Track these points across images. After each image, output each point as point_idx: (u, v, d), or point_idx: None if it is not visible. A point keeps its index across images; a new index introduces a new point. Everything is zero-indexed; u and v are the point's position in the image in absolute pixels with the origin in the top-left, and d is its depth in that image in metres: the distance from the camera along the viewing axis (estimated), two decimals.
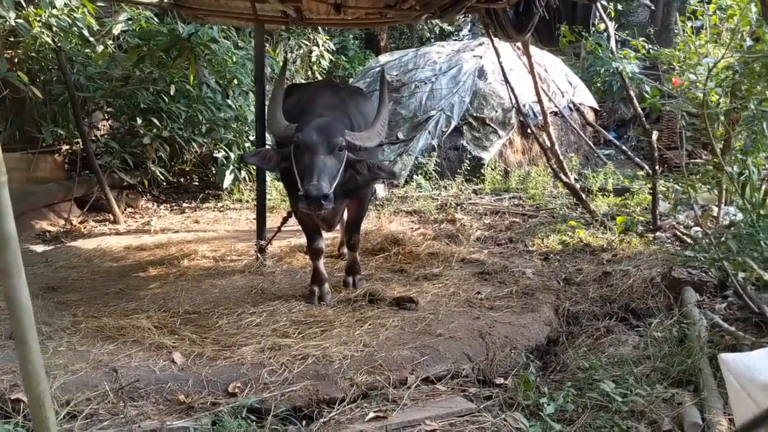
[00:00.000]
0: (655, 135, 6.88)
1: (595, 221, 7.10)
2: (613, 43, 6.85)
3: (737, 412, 2.62)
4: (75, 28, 7.63)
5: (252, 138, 9.27)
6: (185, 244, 6.55)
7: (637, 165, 8.87)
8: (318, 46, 13.69)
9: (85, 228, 7.98)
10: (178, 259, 5.89)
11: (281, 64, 11.23)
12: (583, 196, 7.78)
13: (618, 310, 4.53)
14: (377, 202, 8.96)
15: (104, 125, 10.16)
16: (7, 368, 3.42)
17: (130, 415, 3.11)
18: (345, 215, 5.17)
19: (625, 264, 5.38)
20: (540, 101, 7.96)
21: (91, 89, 8.71)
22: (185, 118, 9.26)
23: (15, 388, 3.22)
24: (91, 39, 8.42)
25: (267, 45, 12.10)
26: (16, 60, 8.01)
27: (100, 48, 8.85)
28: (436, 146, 11.08)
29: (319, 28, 12.59)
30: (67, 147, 9.03)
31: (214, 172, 9.92)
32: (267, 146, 5.71)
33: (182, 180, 10.70)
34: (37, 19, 7.06)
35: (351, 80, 14.55)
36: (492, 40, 7.27)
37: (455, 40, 18.63)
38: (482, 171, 10.61)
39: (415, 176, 10.49)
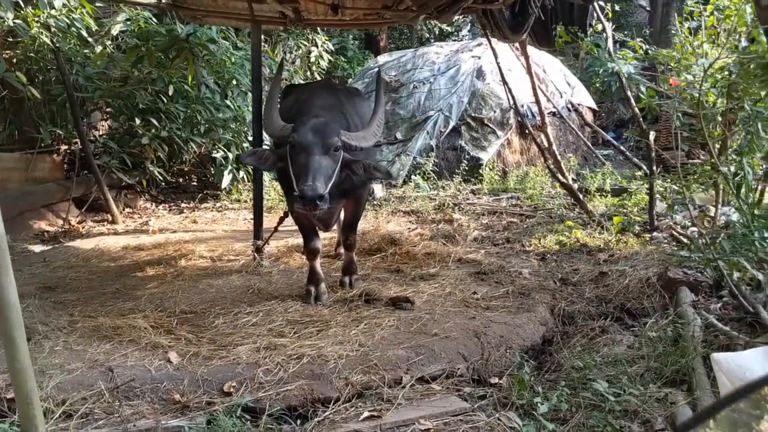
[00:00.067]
0: (652, 135, 6.89)
1: (593, 221, 7.11)
2: (610, 44, 6.86)
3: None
4: (73, 29, 7.65)
5: (250, 138, 9.28)
6: (183, 244, 6.57)
7: (635, 165, 8.88)
8: (317, 46, 13.71)
9: (83, 228, 8.00)
10: (175, 259, 5.90)
11: (281, 64, 11.22)
12: (581, 196, 7.80)
13: (613, 310, 4.54)
14: (375, 202, 8.97)
15: (103, 125, 10.18)
16: (3, 368, 3.42)
17: (126, 415, 3.12)
18: (342, 215, 5.19)
19: (621, 264, 5.38)
20: (538, 101, 7.97)
21: (89, 89, 8.73)
22: (184, 118, 9.27)
23: (11, 387, 3.21)
24: (90, 39, 8.43)
25: (266, 45, 12.13)
26: (14, 60, 8.03)
27: (98, 48, 8.87)
28: (434, 146, 11.10)
29: (318, 28, 12.60)
30: (66, 147, 9.04)
31: (212, 172, 9.93)
32: (265, 146, 5.72)
33: (181, 180, 10.71)
34: (36, 19, 7.07)
35: (350, 80, 14.56)
36: (490, 41, 7.28)
37: (454, 40, 18.66)
38: (480, 171, 10.62)
39: (413, 176, 10.50)
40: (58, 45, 7.70)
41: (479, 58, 11.98)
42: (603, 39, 6.86)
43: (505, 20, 5.46)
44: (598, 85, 14.84)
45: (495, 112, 11.34)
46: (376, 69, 12.69)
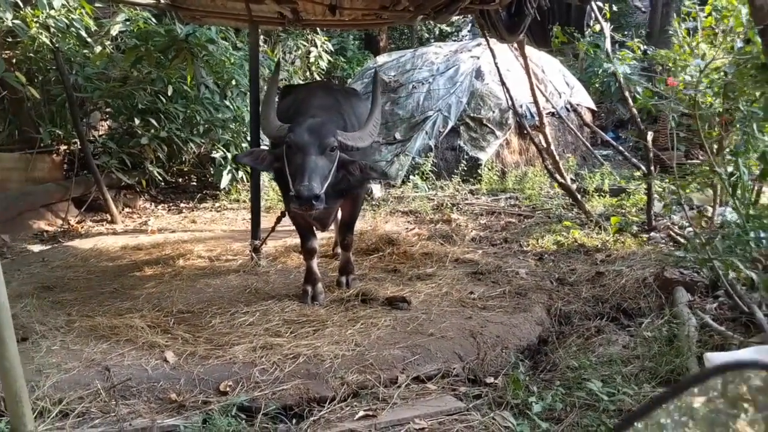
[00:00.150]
0: (650, 136, 6.89)
1: (590, 221, 7.12)
2: (608, 44, 6.87)
3: None
4: (72, 29, 7.66)
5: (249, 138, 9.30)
6: (181, 244, 6.58)
7: (634, 165, 8.88)
8: (316, 46, 13.72)
9: (82, 228, 8.02)
10: (173, 259, 5.91)
11: (278, 65, 11.23)
12: (579, 196, 7.80)
13: (610, 310, 4.55)
14: (373, 203, 8.99)
15: (102, 125, 10.19)
16: None
17: (122, 414, 3.14)
18: (339, 215, 5.20)
19: (618, 264, 5.40)
20: (536, 102, 7.98)
21: (88, 90, 8.74)
22: (183, 118, 9.29)
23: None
24: (89, 40, 8.44)
25: (265, 46, 12.15)
26: (14, 60, 8.05)
27: (98, 49, 8.88)
28: (433, 147, 11.11)
29: (318, 29, 12.61)
30: (65, 147, 9.06)
31: (211, 172, 9.95)
32: (264, 146, 5.74)
33: (180, 180, 10.73)
34: (35, 19, 7.08)
35: (349, 81, 14.57)
36: (488, 41, 7.29)
37: (454, 40, 18.67)
38: (479, 171, 10.63)
39: (411, 176, 10.51)
40: (57, 45, 7.72)
41: (478, 58, 11.98)
42: (602, 39, 6.88)
43: (501, 21, 5.48)
44: (597, 85, 14.86)
45: (494, 112, 11.35)
46: (367, 70, 12.76)
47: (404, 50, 14.42)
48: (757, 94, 3.82)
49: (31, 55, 8.07)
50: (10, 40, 7.70)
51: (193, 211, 9.22)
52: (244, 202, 9.55)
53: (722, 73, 4.42)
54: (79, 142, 8.43)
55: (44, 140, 8.29)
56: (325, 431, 3.04)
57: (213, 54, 9.26)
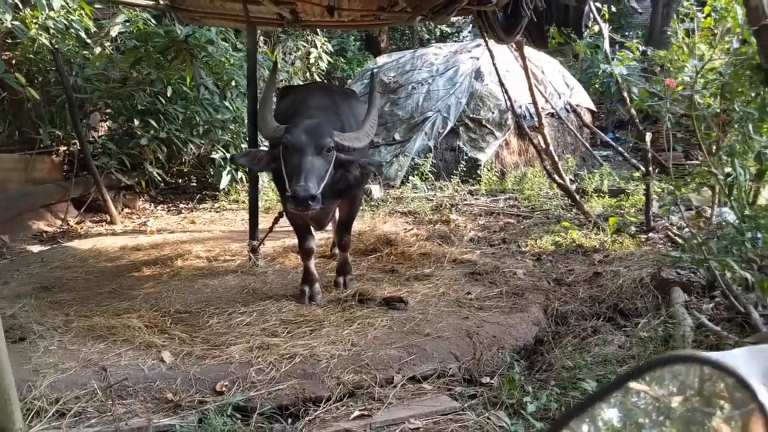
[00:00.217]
0: (648, 136, 6.90)
1: (589, 222, 7.12)
2: (607, 45, 6.88)
3: None
4: (72, 30, 7.68)
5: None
6: (180, 245, 6.59)
7: (634, 166, 8.88)
8: (316, 47, 13.72)
9: (81, 228, 8.03)
10: (172, 259, 5.92)
11: (275, 66, 11.25)
12: (577, 197, 7.81)
13: (606, 310, 4.56)
14: (372, 203, 9.00)
15: (102, 126, 10.21)
16: None
17: (118, 413, 3.15)
18: (337, 215, 5.21)
19: (616, 265, 5.41)
20: (534, 102, 7.98)
21: (88, 91, 8.76)
22: (183, 119, 9.30)
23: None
24: (89, 41, 8.46)
25: (265, 47, 12.16)
26: (14, 61, 8.06)
27: (97, 50, 8.90)
28: (432, 147, 11.12)
29: (318, 30, 12.62)
30: (65, 148, 9.07)
31: (211, 173, 9.96)
32: (264, 147, 5.75)
33: (180, 181, 10.75)
34: (34, 21, 7.10)
35: (349, 81, 14.58)
36: (486, 42, 7.30)
37: (455, 41, 18.67)
38: (478, 172, 10.63)
39: (411, 177, 10.52)
40: (56, 46, 7.73)
41: (478, 59, 12.00)
42: (601, 40, 6.88)
43: (498, 22, 5.49)
44: (597, 86, 14.85)
45: (493, 113, 11.36)
46: (366, 71, 12.77)
47: (404, 51, 14.44)
48: (753, 94, 3.83)
49: (31, 56, 8.09)
50: (9, 41, 7.72)
51: (192, 211, 9.23)
52: (244, 202, 9.57)
53: (718, 74, 4.43)
54: (78, 143, 8.44)
55: (44, 141, 8.31)
56: (321, 431, 3.06)
57: (212, 55, 9.28)
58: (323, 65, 13.97)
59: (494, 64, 7.65)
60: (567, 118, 11.68)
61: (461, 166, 10.55)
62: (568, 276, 5.34)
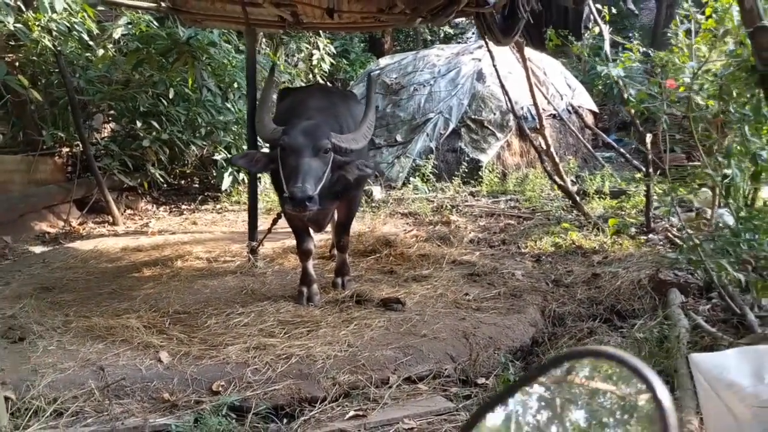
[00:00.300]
0: (649, 137, 6.90)
1: (589, 223, 7.12)
2: (607, 47, 6.88)
3: (706, 410, 2.67)
4: (74, 32, 7.72)
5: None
6: (181, 246, 6.62)
7: (635, 167, 8.88)
8: (318, 49, 13.74)
9: (83, 229, 8.07)
10: (172, 260, 5.95)
11: (280, 67, 11.29)
12: (578, 198, 7.81)
13: (603, 311, 4.57)
14: (373, 204, 9.02)
15: (105, 128, 10.25)
16: None
17: (115, 413, 3.18)
18: (336, 216, 5.23)
19: (615, 266, 5.41)
20: (535, 103, 8.00)
21: (90, 92, 8.81)
22: (185, 121, 9.34)
23: (3, 386, 3.27)
24: (91, 43, 8.51)
25: (267, 49, 12.19)
26: (17, 63, 8.11)
27: (100, 52, 8.94)
28: (433, 148, 11.13)
29: (321, 31, 12.65)
30: (68, 149, 9.11)
31: (213, 174, 10.00)
32: (265, 149, 5.78)
33: (182, 182, 10.78)
34: (37, 23, 7.14)
35: (351, 83, 14.61)
36: (487, 44, 7.31)
37: (459, 42, 18.69)
38: (480, 173, 10.63)
39: (412, 178, 10.53)
40: (59, 48, 7.78)
41: (480, 60, 12.00)
42: (602, 42, 6.89)
43: (496, 23, 5.50)
44: (600, 87, 14.82)
45: (495, 114, 11.36)
46: (377, 71, 12.80)
47: (406, 53, 14.46)
48: (748, 96, 3.83)
49: (34, 58, 8.13)
50: (12, 43, 7.76)
51: (194, 212, 9.27)
52: (245, 203, 9.56)
53: (714, 75, 4.43)
54: (81, 145, 8.48)
55: (47, 143, 8.35)
56: (315, 431, 3.08)
57: (214, 57, 9.32)
58: (326, 67, 14.00)
59: (494, 66, 7.67)
60: (569, 119, 11.69)
61: (463, 167, 10.55)
62: (567, 277, 5.35)
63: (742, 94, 4.13)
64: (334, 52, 14.54)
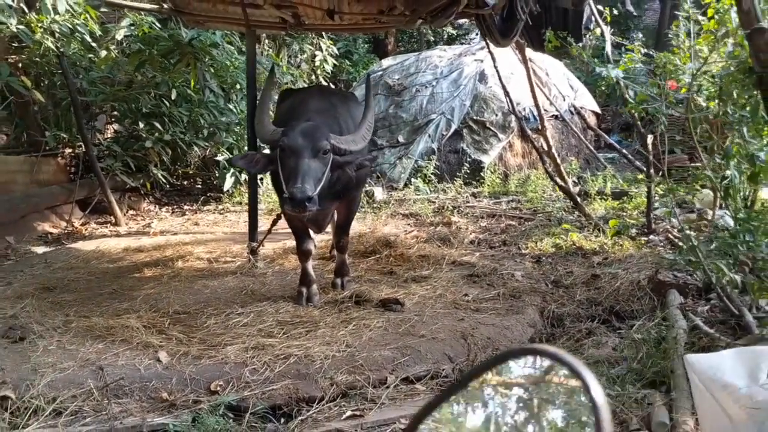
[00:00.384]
0: (650, 138, 6.89)
1: (590, 224, 7.12)
2: (608, 48, 6.88)
3: (701, 410, 2.67)
4: (77, 34, 7.75)
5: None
6: (182, 246, 6.63)
7: (637, 168, 8.86)
8: (321, 50, 13.76)
9: (86, 230, 8.10)
10: (173, 261, 5.97)
11: (283, 69, 11.32)
12: (579, 199, 7.81)
13: (602, 312, 4.57)
14: (375, 205, 9.03)
15: (108, 129, 10.28)
16: None
17: (114, 412, 3.20)
18: (335, 217, 5.25)
19: (615, 267, 5.42)
20: (536, 104, 8.00)
21: (93, 93, 8.84)
22: (187, 122, 9.37)
23: (2, 385, 3.31)
24: (94, 44, 8.54)
25: (270, 50, 12.22)
26: (20, 65, 8.14)
27: (103, 53, 8.98)
28: (435, 149, 11.13)
29: (324, 33, 12.67)
30: (70, 150, 9.14)
31: (216, 175, 10.02)
32: (266, 151, 5.80)
33: (185, 183, 10.82)
34: (39, 25, 7.18)
35: (354, 84, 14.62)
36: (488, 45, 7.32)
37: (462, 43, 18.67)
38: (482, 174, 10.62)
39: (413, 179, 10.53)
40: (62, 50, 7.81)
41: (482, 61, 12.00)
42: (603, 43, 6.89)
43: (495, 25, 5.51)
44: (603, 88, 14.80)
45: (497, 115, 11.36)
46: (380, 72, 12.81)
47: (408, 54, 14.46)
48: (746, 97, 3.83)
49: (37, 59, 8.15)
50: (15, 45, 7.80)
51: (196, 213, 9.29)
52: (247, 204, 9.60)
53: (712, 77, 4.43)
54: (83, 146, 8.51)
55: (50, 143, 8.38)
56: (312, 430, 3.09)
57: (217, 58, 9.35)
58: (328, 68, 14.01)
59: (495, 67, 7.67)
60: (571, 120, 11.69)
61: (464, 168, 10.56)
62: (567, 278, 5.35)
63: (741, 96, 4.13)
64: (337, 53, 14.55)
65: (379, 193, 9.57)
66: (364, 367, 3.59)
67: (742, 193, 4.64)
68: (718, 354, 2.72)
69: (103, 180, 8.34)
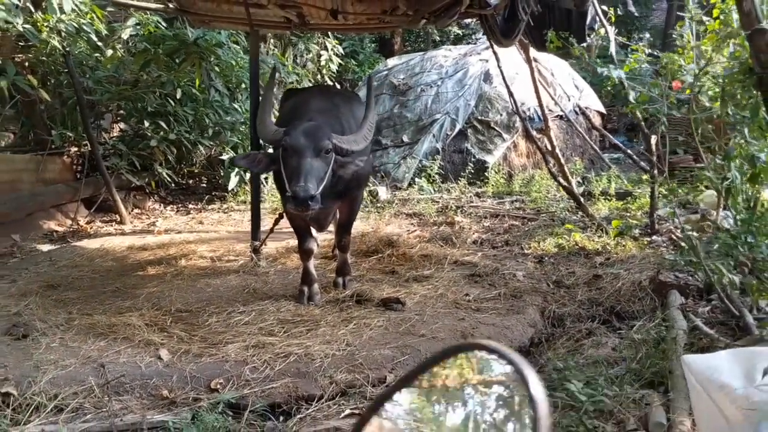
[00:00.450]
0: (654, 139, 6.88)
1: (593, 225, 7.11)
2: (613, 48, 6.85)
3: (698, 411, 2.67)
4: (83, 33, 7.80)
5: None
6: (186, 245, 6.66)
7: (642, 169, 8.82)
8: (327, 50, 13.78)
9: (91, 228, 8.14)
10: (176, 259, 6.00)
11: (288, 68, 11.35)
12: (582, 199, 7.80)
13: (603, 312, 4.57)
14: (379, 205, 9.04)
15: (114, 128, 10.34)
16: None
17: (114, 409, 3.22)
18: (337, 216, 5.27)
19: (616, 267, 5.41)
20: (540, 104, 7.99)
21: (99, 93, 8.89)
22: (192, 121, 9.41)
23: (5, 382, 3.34)
24: (100, 44, 8.59)
25: (275, 49, 12.25)
26: (26, 64, 8.20)
27: (109, 52, 9.03)
28: (440, 149, 11.14)
29: (329, 32, 12.70)
30: (76, 149, 9.20)
31: (221, 174, 10.06)
32: (269, 151, 5.82)
33: (190, 182, 10.86)
34: (45, 24, 7.22)
35: (359, 83, 14.63)
36: (492, 45, 7.32)
37: (468, 43, 18.64)
38: (486, 174, 10.61)
39: (417, 179, 10.54)
40: (68, 49, 7.85)
41: (487, 61, 11.98)
42: (608, 43, 6.86)
43: (497, 25, 5.52)
44: (609, 88, 14.76)
45: (501, 115, 11.35)
46: (385, 72, 12.83)
47: (413, 53, 14.47)
48: (747, 97, 3.83)
49: (43, 58, 8.22)
50: (22, 44, 7.85)
51: (200, 212, 9.33)
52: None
53: (714, 78, 4.42)
54: (89, 144, 8.56)
55: (56, 142, 8.44)
56: (311, 429, 3.11)
57: (222, 58, 9.39)
58: (334, 68, 14.03)
59: (499, 67, 7.67)
60: (576, 120, 11.65)
61: (469, 168, 10.55)
62: (569, 278, 5.35)
63: (743, 96, 4.12)
64: (343, 52, 14.57)
65: (383, 192, 9.58)
66: (363, 366, 3.60)
67: (743, 194, 4.63)
68: (716, 354, 2.72)
69: (109, 179, 8.39)
